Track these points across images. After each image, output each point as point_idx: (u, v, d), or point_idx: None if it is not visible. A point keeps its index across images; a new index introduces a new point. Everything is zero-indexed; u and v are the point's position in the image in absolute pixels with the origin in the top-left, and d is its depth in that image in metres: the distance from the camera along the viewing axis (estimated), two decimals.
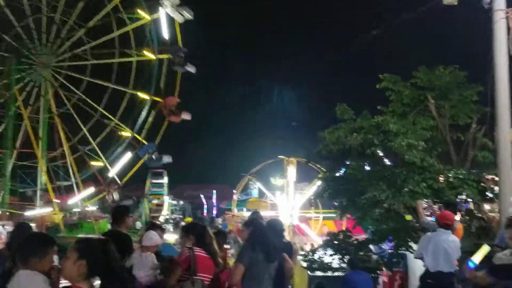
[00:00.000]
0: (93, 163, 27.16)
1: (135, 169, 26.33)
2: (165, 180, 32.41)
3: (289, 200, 26.51)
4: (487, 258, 5.47)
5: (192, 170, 53.63)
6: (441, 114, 14.02)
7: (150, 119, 26.20)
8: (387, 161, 14.05)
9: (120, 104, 27.66)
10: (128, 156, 26.31)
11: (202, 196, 46.18)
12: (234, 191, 32.98)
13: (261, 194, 34.73)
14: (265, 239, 4.69)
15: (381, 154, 13.78)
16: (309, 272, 15.70)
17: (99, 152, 27.26)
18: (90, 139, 27.39)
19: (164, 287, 4.73)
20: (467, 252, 11.79)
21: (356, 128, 13.07)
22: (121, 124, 27.03)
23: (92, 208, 27.90)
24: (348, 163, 14.40)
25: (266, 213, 27.38)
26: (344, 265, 12.83)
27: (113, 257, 2.80)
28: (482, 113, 13.28)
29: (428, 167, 12.24)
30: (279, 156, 26.60)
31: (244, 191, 37.21)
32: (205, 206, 46.01)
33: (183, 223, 24.80)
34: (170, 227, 26.91)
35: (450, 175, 12.55)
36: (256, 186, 35.26)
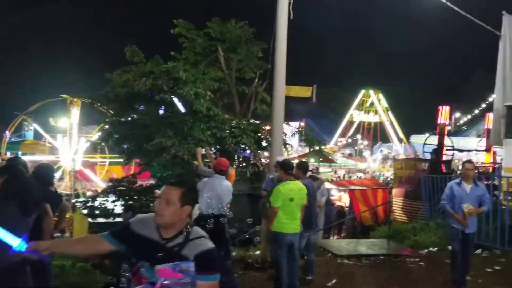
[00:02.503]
0: None
1: None
2: None
3: (72, 144, 24.69)
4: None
5: None
6: (229, 66, 14.67)
7: None
8: (182, 108, 14.12)
9: None
10: None
11: None
12: (7, 132, 28.85)
13: (39, 136, 31.30)
14: (21, 189, 4.03)
15: (177, 101, 13.75)
16: (90, 219, 15.07)
17: None
18: None
19: None
20: (245, 194, 13.07)
21: (146, 72, 12.63)
22: None
23: None
24: (140, 108, 13.98)
25: (44, 157, 24.98)
26: None
27: None
28: (265, 69, 14.42)
29: (213, 117, 12.76)
30: (61, 95, 24.18)
31: (17, 132, 32.88)
32: None
33: None
34: None
35: (232, 125, 13.38)
36: (32, 127, 31.50)
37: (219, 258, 2.47)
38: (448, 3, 10.40)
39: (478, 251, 7.97)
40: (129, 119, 14.29)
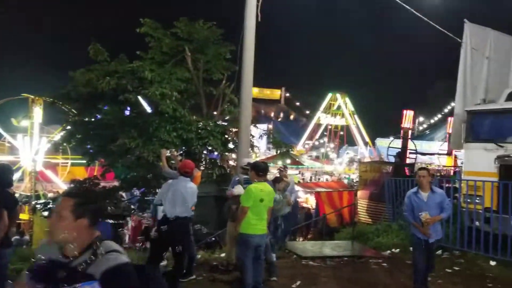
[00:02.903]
0: None
1: None
2: None
3: (33, 144, 23.86)
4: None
5: None
6: (196, 67, 14.53)
7: None
8: (148, 109, 13.87)
9: None
10: None
11: None
12: None
13: None
14: None
15: (143, 101, 13.49)
16: None
17: None
18: None
19: None
20: (211, 196, 12.92)
21: (110, 72, 12.33)
22: None
23: None
24: (105, 108, 13.65)
25: (3, 157, 24.01)
26: None
27: None
28: (232, 71, 14.36)
29: (180, 118, 12.60)
30: (22, 94, 23.34)
31: None
32: None
33: None
34: None
35: (199, 126, 13.25)
36: None
37: (132, 273, 2.13)
38: (413, 11, 10.64)
39: (439, 252, 8.15)
40: (93, 119, 13.94)
